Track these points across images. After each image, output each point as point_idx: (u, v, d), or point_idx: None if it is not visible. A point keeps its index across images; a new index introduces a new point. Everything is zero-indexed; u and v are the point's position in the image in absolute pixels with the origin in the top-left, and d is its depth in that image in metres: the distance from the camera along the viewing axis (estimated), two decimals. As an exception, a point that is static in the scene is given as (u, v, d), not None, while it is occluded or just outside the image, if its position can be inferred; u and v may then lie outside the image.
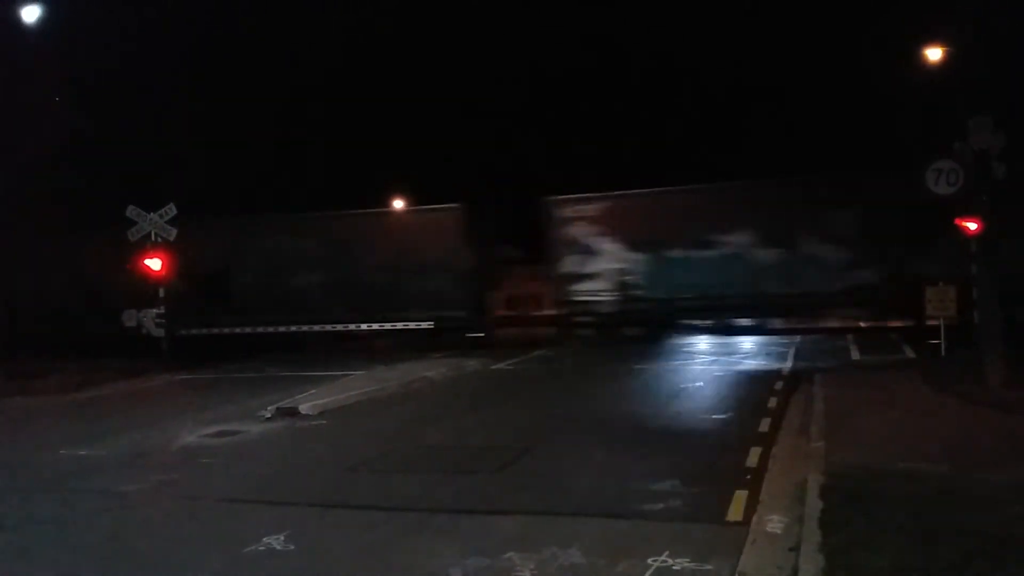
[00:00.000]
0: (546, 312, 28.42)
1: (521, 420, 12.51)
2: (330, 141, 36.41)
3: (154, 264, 21.75)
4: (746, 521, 6.73)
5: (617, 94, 42.58)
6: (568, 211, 24.36)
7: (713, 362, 19.92)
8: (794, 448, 9.43)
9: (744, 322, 26.52)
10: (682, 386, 15.49)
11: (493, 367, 19.75)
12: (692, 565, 5.80)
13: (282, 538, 6.78)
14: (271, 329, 25.02)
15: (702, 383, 15.82)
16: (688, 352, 22.59)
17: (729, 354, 21.57)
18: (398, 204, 30.71)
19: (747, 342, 24.55)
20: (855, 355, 20.28)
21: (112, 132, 29.17)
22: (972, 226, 13.61)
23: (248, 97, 33.59)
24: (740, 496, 7.47)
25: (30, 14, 18.52)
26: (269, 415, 13.03)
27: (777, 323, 26.81)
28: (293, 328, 25.01)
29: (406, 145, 37.13)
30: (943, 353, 16.61)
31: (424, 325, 24.26)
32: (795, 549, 5.86)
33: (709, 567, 5.76)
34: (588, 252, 24.03)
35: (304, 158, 36.48)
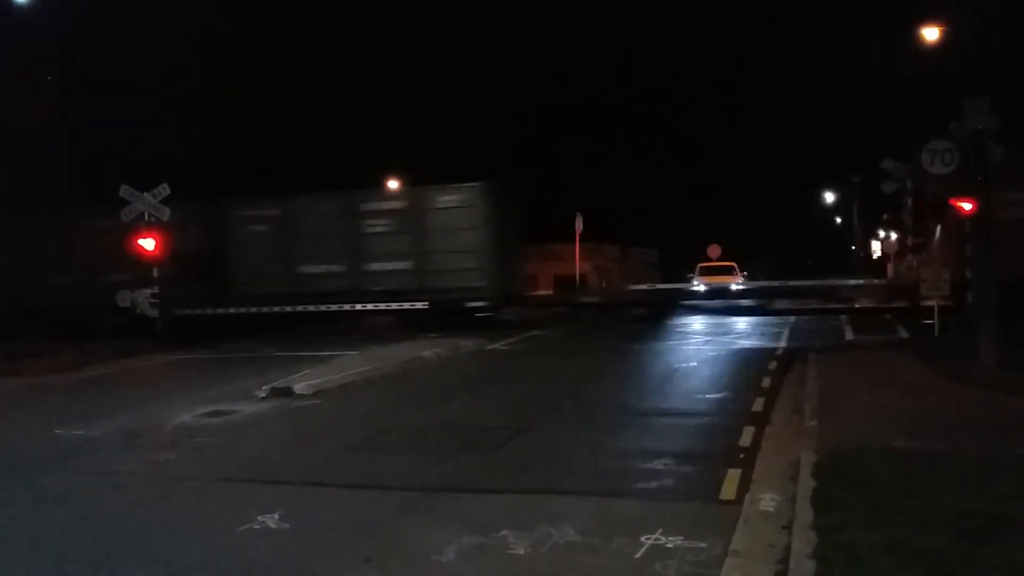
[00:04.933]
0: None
1: (516, 400, 12.52)
2: (330, 123, 36.47)
3: (148, 244, 21.69)
4: (739, 499, 6.77)
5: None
6: None
7: (707, 342, 19.97)
8: (787, 427, 9.47)
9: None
10: (677, 366, 15.53)
11: (488, 347, 19.77)
12: (685, 543, 5.83)
13: (277, 517, 6.80)
14: (266, 309, 24.95)
15: (696, 363, 15.86)
16: (683, 332, 22.63)
17: (724, 334, 21.63)
18: (393, 184, 30.67)
19: (741, 322, 24.61)
20: (849, 335, 20.35)
21: (108, 111, 29.07)
22: (967, 206, 13.61)
23: (250, 80, 33.55)
24: (733, 475, 7.50)
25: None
26: (264, 395, 13.02)
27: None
28: (288, 308, 24.93)
29: (403, 127, 37.20)
30: (936, 333, 16.67)
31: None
32: (788, 527, 5.88)
33: (702, 545, 5.78)
34: None
35: (303, 139, 36.45)
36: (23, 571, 6.03)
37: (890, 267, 39.97)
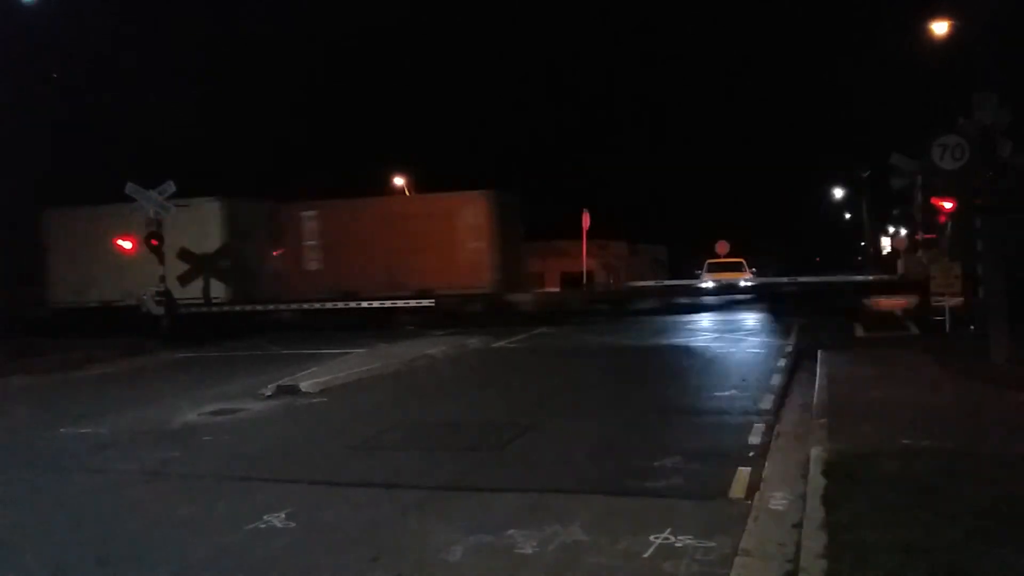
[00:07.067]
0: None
1: (523, 398, 12.47)
2: (331, 123, 36.50)
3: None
4: (749, 498, 6.71)
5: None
6: None
7: (716, 339, 19.88)
8: (797, 425, 9.40)
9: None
10: (684, 364, 15.45)
11: (494, 345, 19.71)
12: (694, 542, 5.77)
13: (283, 515, 6.77)
14: (271, 307, 24.96)
15: (705, 360, 15.78)
16: (690, 329, 22.54)
17: (732, 331, 21.53)
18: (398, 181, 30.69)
19: (750, 319, 24.51)
20: (859, 332, 20.22)
21: (113, 110, 29.16)
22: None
23: (253, 80, 33.60)
24: (743, 473, 7.44)
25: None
26: (270, 393, 13.00)
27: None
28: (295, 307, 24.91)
29: (409, 124, 37.22)
30: (947, 330, 16.55)
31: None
32: (798, 526, 5.83)
33: (711, 544, 5.73)
34: None
35: (308, 138, 36.43)
36: (27, 571, 6.01)
37: (900, 263, 39.82)
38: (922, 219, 34.10)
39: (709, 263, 35.03)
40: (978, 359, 12.33)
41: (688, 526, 6.06)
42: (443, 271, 24.54)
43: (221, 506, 7.29)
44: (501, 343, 20.01)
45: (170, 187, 21.72)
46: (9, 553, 6.36)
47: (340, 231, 25.68)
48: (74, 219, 25.95)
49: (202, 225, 24.59)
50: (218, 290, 24.97)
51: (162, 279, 22.52)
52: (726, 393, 11.82)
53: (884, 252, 54.45)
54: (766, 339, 19.44)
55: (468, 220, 24.92)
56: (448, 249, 24.81)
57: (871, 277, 31.97)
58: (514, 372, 15.73)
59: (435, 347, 18.43)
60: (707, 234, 41.99)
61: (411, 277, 24.59)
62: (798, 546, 5.41)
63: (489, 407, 11.82)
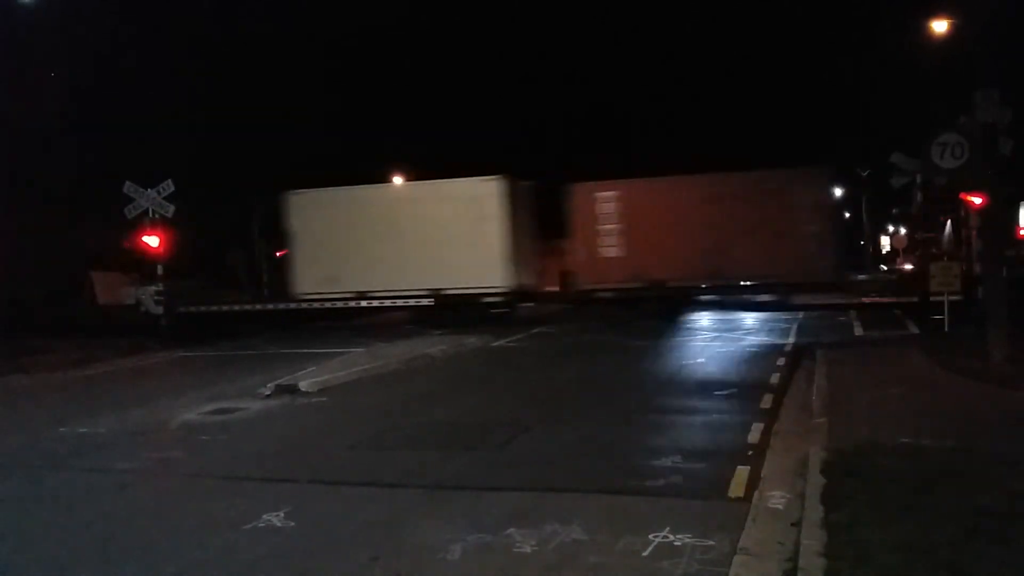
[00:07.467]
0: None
1: (522, 397, 12.47)
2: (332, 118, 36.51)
3: (152, 241, 21.71)
4: (748, 497, 6.72)
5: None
6: None
7: (715, 338, 19.86)
8: (796, 424, 9.40)
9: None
10: (684, 363, 15.44)
11: (494, 344, 19.71)
12: (693, 541, 5.77)
13: (282, 515, 6.78)
14: (270, 306, 24.87)
15: (704, 359, 15.77)
16: (689, 328, 22.52)
17: (731, 330, 21.51)
18: (397, 180, 30.68)
19: (749, 318, 24.50)
20: (858, 331, 20.23)
21: (111, 107, 29.15)
22: (977, 200, 13.47)
23: (256, 77, 33.58)
24: (742, 472, 7.45)
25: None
26: (269, 392, 13.00)
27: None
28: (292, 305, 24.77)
29: (409, 120, 37.22)
30: (946, 329, 16.55)
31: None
32: (797, 524, 5.83)
33: (711, 542, 5.73)
34: None
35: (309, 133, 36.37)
36: (27, 570, 6.01)
37: (899, 261, 39.90)
38: (922, 218, 34.14)
39: None
40: (978, 358, 12.32)
41: (687, 525, 6.06)
42: (771, 258, 22.03)
43: (220, 505, 7.28)
44: (500, 342, 20.00)
45: (169, 186, 21.64)
46: (10, 551, 6.35)
47: (645, 213, 23.22)
48: (318, 204, 24.29)
49: (480, 207, 22.96)
50: (495, 278, 22.98)
51: (160, 278, 22.48)
52: (725, 392, 11.82)
53: (883, 251, 54.54)
54: (765, 338, 19.43)
55: (805, 199, 22.28)
56: (777, 233, 22.08)
57: (867, 276, 32.03)
58: (513, 371, 15.71)
59: (434, 346, 18.43)
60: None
61: (731, 265, 22.46)
62: (797, 545, 5.41)
63: (488, 406, 11.81)
